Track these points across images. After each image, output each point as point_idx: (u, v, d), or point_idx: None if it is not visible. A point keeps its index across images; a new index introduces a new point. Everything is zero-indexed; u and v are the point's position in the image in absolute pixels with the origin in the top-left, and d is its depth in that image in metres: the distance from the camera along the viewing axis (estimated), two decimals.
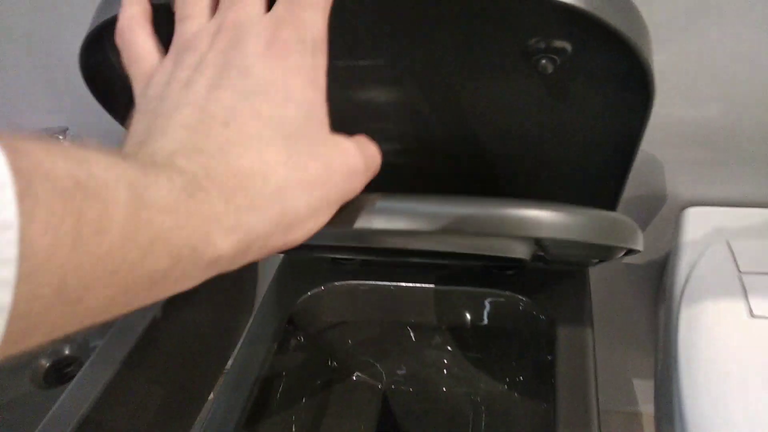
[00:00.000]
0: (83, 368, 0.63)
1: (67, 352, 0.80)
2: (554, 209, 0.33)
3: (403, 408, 0.76)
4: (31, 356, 0.79)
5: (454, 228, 0.33)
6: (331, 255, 0.69)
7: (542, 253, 0.42)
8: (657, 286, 0.83)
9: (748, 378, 0.49)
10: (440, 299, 0.70)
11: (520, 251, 0.40)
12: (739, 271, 0.58)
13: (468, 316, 0.69)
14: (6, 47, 0.78)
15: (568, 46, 0.36)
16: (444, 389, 0.75)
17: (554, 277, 0.67)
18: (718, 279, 0.58)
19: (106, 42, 0.41)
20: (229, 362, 0.82)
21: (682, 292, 0.61)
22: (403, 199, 0.33)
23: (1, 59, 0.80)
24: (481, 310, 0.68)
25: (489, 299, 0.67)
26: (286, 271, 0.73)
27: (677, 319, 0.58)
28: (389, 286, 0.70)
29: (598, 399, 0.54)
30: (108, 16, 0.38)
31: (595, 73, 0.38)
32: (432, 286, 0.68)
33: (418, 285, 0.69)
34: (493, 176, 0.51)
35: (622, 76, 0.37)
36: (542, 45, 0.37)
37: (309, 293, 0.70)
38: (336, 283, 0.71)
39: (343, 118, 0.29)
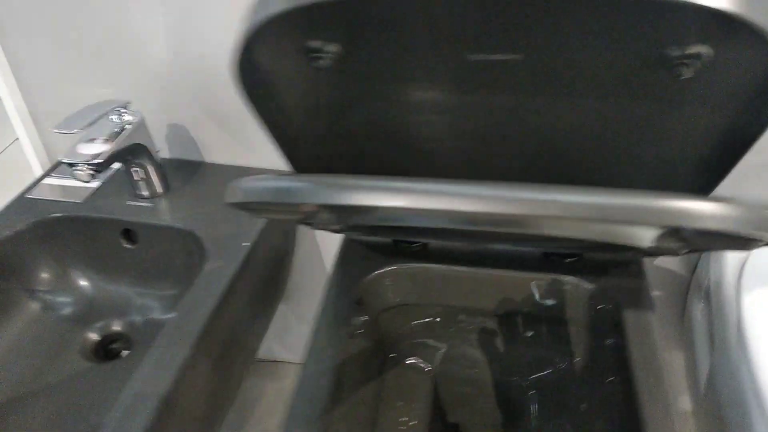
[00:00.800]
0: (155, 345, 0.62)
1: (115, 327, 0.79)
2: (711, 201, 0.35)
3: (453, 392, 0.78)
4: (82, 330, 0.79)
5: (615, 217, 0.35)
6: (408, 238, 0.71)
7: (663, 245, 0.44)
8: (687, 282, 0.87)
9: None
10: (501, 284, 0.72)
11: (647, 239, 0.43)
12: None
13: (528, 300, 0.72)
14: (77, 24, 0.77)
15: (710, 50, 0.38)
16: (497, 375, 0.77)
17: (612, 266, 0.70)
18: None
19: (263, 43, 0.42)
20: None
21: (739, 285, 0.64)
22: (572, 188, 0.35)
23: (71, 36, 0.79)
24: (545, 295, 0.71)
25: (552, 285, 0.70)
26: (348, 253, 0.74)
27: (738, 310, 0.61)
28: (453, 269, 0.72)
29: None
30: (269, 13, 0.39)
31: (735, 75, 0.40)
32: (496, 271, 0.71)
33: (481, 269, 0.71)
34: (608, 167, 0.53)
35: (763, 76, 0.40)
36: (682, 51, 0.39)
37: (374, 273, 0.72)
38: (398, 266, 0.73)
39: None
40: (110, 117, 0.74)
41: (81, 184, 0.86)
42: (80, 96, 0.85)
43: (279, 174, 0.44)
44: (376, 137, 0.53)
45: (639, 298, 0.66)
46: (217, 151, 0.89)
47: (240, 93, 0.48)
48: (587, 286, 0.68)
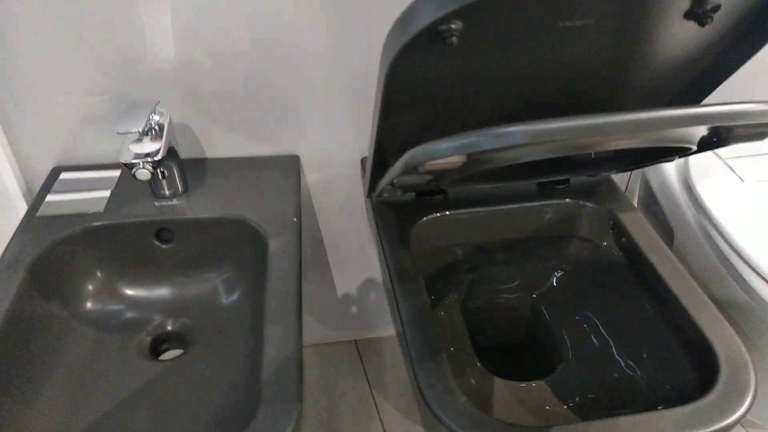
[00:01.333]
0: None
1: (169, 328, 0.80)
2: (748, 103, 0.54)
3: (483, 315, 0.93)
4: (140, 330, 0.79)
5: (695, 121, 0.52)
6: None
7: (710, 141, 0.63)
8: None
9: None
10: (512, 216, 0.88)
11: (695, 138, 0.61)
12: (721, 158, 0.87)
13: (536, 224, 0.89)
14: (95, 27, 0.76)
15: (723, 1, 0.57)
16: (522, 290, 0.93)
17: (588, 187, 0.89)
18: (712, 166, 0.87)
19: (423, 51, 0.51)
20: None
21: (689, 182, 0.88)
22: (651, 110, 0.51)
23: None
24: (551, 216, 0.88)
25: (554, 207, 0.88)
26: (385, 218, 0.84)
27: (693, 200, 0.84)
28: (472, 211, 0.86)
29: None
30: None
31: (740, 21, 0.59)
32: (506, 206, 0.87)
33: (501, 207, 0.87)
34: (643, 95, 0.71)
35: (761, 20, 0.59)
36: (706, 5, 0.57)
37: (422, 220, 0.83)
38: (431, 216, 0.85)
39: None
40: (152, 116, 0.75)
41: (90, 195, 0.84)
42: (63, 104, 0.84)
43: (445, 138, 0.54)
44: (481, 101, 0.65)
45: (625, 205, 0.86)
46: (220, 146, 0.92)
47: (384, 81, 0.57)
48: (582, 203, 0.87)
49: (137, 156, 0.71)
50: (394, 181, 0.69)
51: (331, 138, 0.94)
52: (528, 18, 0.55)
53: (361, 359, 1.20)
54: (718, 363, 0.65)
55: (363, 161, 0.97)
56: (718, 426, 0.59)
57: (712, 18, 0.57)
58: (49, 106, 0.84)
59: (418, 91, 0.63)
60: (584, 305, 0.88)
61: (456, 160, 0.59)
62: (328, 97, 0.90)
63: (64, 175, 0.89)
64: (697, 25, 0.59)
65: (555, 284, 0.93)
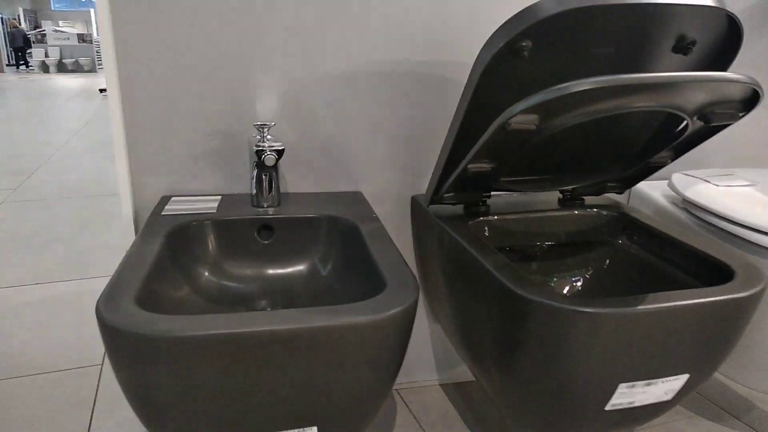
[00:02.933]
0: None
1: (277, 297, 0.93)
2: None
3: None
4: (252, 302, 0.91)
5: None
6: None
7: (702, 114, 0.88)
8: None
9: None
10: (542, 222, 1.09)
11: (693, 109, 0.86)
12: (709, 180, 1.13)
13: (564, 229, 1.10)
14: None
15: (698, 38, 0.87)
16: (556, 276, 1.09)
17: (603, 204, 1.13)
18: (692, 183, 1.13)
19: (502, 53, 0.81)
20: None
21: (679, 193, 1.12)
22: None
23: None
24: (573, 224, 1.09)
25: (577, 216, 1.10)
26: (439, 216, 1.05)
27: (687, 199, 1.08)
28: (513, 217, 1.07)
29: None
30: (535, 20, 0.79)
31: (707, 51, 0.90)
32: (538, 213, 1.08)
33: (533, 215, 1.08)
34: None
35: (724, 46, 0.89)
36: (687, 41, 0.87)
37: (472, 222, 1.03)
38: (479, 220, 1.06)
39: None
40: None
41: (201, 205, 1.02)
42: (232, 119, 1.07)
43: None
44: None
45: (629, 209, 1.09)
46: (300, 184, 1.14)
47: (473, 84, 0.83)
48: (598, 211, 1.10)
49: (266, 147, 0.92)
50: (469, 166, 0.91)
51: (385, 179, 1.17)
52: (568, 45, 0.84)
53: (408, 408, 1.26)
54: (731, 272, 0.83)
55: (413, 198, 1.18)
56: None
57: (691, 49, 0.87)
58: (169, 143, 1.06)
59: (498, 97, 0.89)
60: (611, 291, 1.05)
61: (532, 121, 0.82)
62: (383, 148, 1.15)
63: (174, 199, 1.07)
64: (682, 55, 0.88)
65: (582, 284, 1.10)
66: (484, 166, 0.94)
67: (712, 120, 0.88)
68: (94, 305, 1.72)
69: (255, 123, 0.99)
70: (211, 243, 0.95)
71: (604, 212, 1.10)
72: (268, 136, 1.00)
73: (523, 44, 0.81)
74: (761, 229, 0.94)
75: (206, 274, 0.93)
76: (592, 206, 1.12)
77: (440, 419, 1.21)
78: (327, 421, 0.71)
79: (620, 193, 1.13)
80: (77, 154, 4.06)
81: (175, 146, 1.06)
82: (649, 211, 1.21)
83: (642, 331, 0.74)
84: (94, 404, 1.25)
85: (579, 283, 1.10)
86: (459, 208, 1.10)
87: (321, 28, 1.06)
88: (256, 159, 0.99)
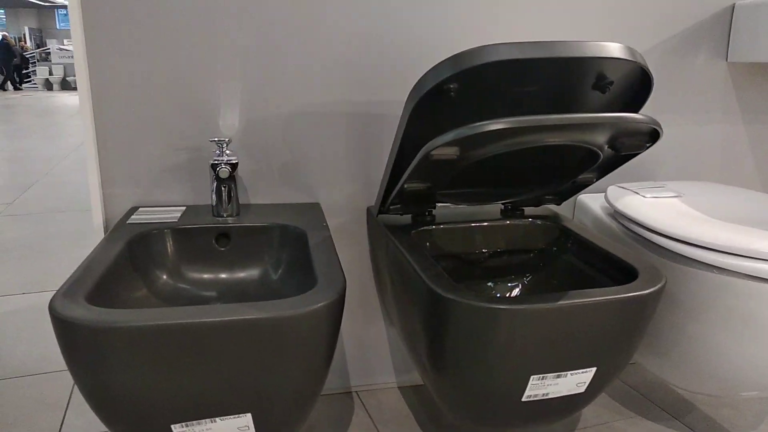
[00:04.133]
0: None
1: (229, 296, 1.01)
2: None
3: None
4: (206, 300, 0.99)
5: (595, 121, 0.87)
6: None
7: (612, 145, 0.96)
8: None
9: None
10: (485, 231, 1.17)
11: (601, 142, 0.94)
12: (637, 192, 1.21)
13: (504, 238, 1.17)
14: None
15: (614, 80, 0.95)
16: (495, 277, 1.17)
17: (540, 216, 1.21)
18: (623, 194, 1.21)
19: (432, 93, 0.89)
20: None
21: (611, 204, 1.20)
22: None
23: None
24: (513, 233, 1.17)
25: (517, 226, 1.18)
26: (388, 225, 1.13)
27: (618, 210, 1.16)
28: (456, 227, 1.15)
29: None
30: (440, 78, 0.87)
31: (624, 89, 0.98)
32: (481, 223, 1.16)
33: (475, 224, 1.16)
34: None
35: (638, 87, 0.97)
36: (605, 81, 0.95)
37: (418, 230, 1.11)
38: (423, 229, 1.14)
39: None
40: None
41: (165, 215, 1.10)
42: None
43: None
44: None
45: (566, 219, 1.17)
46: (262, 194, 1.22)
47: (405, 118, 0.91)
48: (536, 221, 1.18)
49: (220, 161, 1.00)
50: (405, 185, 1.00)
51: (342, 191, 1.26)
52: (493, 86, 0.92)
53: (366, 409, 1.33)
54: (636, 272, 0.91)
55: (368, 209, 1.27)
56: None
57: (609, 88, 0.95)
58: (138, 157, 1.15)
59: (429, 128, 0.97)
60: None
61: (453, 150, 0.89)
62: (341, 161, 1.23)
63: (142, 209, 1.15)
64: (600, 93, 0.96)
65: (520, 291, 1.18)
66: (420, 185, 1.02)
67: (621, 150, 0.96)
68: None
69: (211, 139, 1.08)
70: (170, 249, 1.04)
71: (539, 222, 1.18)
72: (227, 151, 1.09)
73: (451, 86, 0.89)
74: (675, 237, 1.01)
75: (164, 277, 1.01)
76: (530, 217, 1.20)
77: (394, 419, 1.28)
78: (261, 409, 0.79)
79: (558, 204, 1.21)
80: (75, 169, 4.17)
81: (143, 160, 1.15)
82: (588, 221, 1.29)
83: (549, 326, 0.81)
84: (68, 405, 1.33)
85: (517, 289, 1.18)
86: (407, 218, 1.18)
87: (281, 44, 1.15)
88: (212, 171, 1.07)
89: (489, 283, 1.19)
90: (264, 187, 1.22)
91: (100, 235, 1.16)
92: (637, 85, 0.95)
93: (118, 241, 0.96)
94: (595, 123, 0.84)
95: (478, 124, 0.79)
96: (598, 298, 0.82)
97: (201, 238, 1.06)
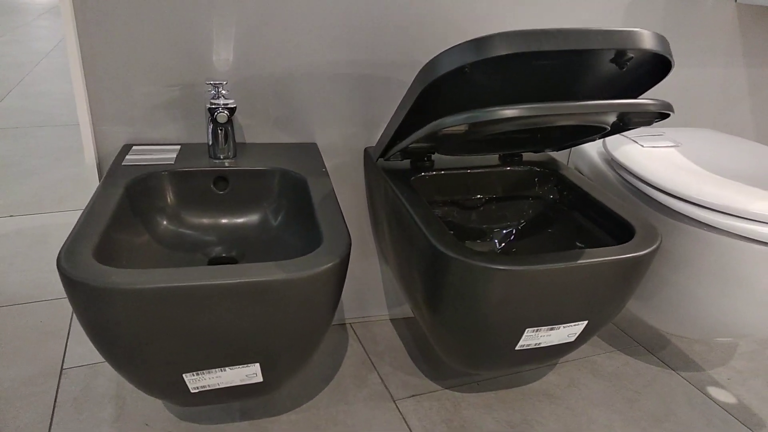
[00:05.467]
0: None
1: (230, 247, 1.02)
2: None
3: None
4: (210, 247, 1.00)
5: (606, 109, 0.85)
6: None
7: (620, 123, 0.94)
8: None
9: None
10: (482, 177, 1.18)
11: (610, 121, 0.92)
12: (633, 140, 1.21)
13: (501, 183, 1.18)
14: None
15: (632, 55, 0.91)
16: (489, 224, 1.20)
17: (536, 161, 1.21)
18: (621, 142, 1.21)
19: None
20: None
21: (608, 153, 1.21)
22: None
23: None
24: (510, 179, 1.18)
25: (514, 172, 1.18)
26: (387, 170, 1.12)
27: (615, 160, 1.17)
28: (455, 173, 1.15)
29: None
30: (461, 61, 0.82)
31: (641, 64, 0.93)
32: (478, 169, 1.16)
33: (473, 171, 1.16)
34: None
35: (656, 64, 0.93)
36: (624, 59, 0.90)
37: (417, 176, 1.11)
38: (423, 174, 1.14)
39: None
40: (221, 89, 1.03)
41: (160, 156, 1.08)
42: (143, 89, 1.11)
43: (458, 113, 0.83)
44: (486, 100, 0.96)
45: (562, 166, 1.18)
46: (258, 134, 1.20)
47: (414, 96, 0.87)
48: (533, 168, 1.18)
49: (219, 105, 0.97)
50: (410, 144, 0.98)
51: (340, 131, 1.24)
52: (514, 60, 0.88)
53: (359, 341, 1.39)
54: (633, 231, 0.93)
55: (366, 150, 1.25)
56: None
57: (627, 64, 0.91)
58: (130, 93, 1.11)
59: (439, 99, 0.94)
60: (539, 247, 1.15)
61: (462, 127, 0.88)
62: (338, 102, 1.20)
63: (135, 148, 1.13)
64: (617, 68, 0.92)
65: (514, 235, 1.20)
66: (424, 145, 1.01)
67: (630, 125, 0.95)
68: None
69: (208, 81, 1.04)
70: (169, 193, 1.03)
71: (537, 169, 1.19)
72: (224, 92, 1.05)
73: (466, 68, 0.85)
74: (671, 193, 1.03)
75: (164, 222, 1.01)
76: (528, 163, 1.20)
77: (387, 350, 1.35)
78: (268, 358, 0.82)
79: (556, 151, 1.21)
80: (49, 78, 4.00)
81: (136, 96, 1.11)
82: (585, 169, 1.30)
83: (545, 286, 0.84)
84: (69, 333, 1.36)
85: (513, 234, 1.20)
86: (406, 163, 1.17)
87: None
88: (209, 114, 1.04)
89: (484, 226, 1.21)
90: (259, 125, 1.20)
91: (93, 173, 1.14)
92: (654, 64, 0.92)
93: (117, 186, 0.95)
94: (611, 110, 0.83)
95: (491, 109, 0.77)
96: (595, 260, 0.85)
97: (199, 182, 1.05)
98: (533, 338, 0.91)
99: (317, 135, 1.23)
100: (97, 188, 0.95)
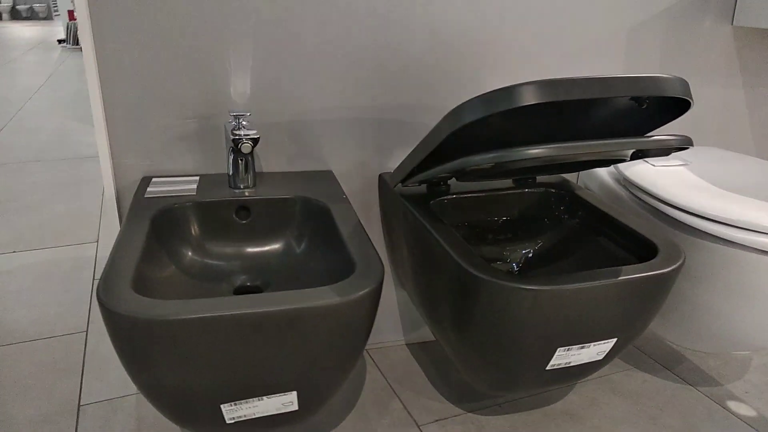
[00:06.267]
0: None
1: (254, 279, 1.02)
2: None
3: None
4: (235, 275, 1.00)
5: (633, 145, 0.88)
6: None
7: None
8: None
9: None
10: (496, 200, 1.19)
11: (628, 154, 0.95)
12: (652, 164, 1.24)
13: (515, 206, 1.20)
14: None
15: (647, 100, 0.94)
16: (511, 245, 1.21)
17: (549, 184, 1.23)
18: (633, 161, 1.24)
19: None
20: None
21: (620, 172, 1.23)
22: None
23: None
24: (526, 202, 1.20)
25: (530, 194, 1.20)
26: (405, 195, 1.14)
27: (628, 179, 1.20)
28: (471, 195, 1.17)
29: None
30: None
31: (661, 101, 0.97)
32: (492, 192, 1.18)
33: (489, 193, 1.18)
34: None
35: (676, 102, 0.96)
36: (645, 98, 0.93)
37: (435, 201, 1.13)
38: (440, 199, 1.15)
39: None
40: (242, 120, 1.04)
41: (181, 187, 1.08)
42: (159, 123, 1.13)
43: (485, 152, 0.84)
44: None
45: (575, 186, 1.20)
46: (273, 163, 1.21)
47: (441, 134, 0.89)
48: (548, 189, 1.20)
49: (242, 136, 0.99)
50: (433, 175, 1.00)
51: (354, 158, 1.25)
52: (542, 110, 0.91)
53: (378, 367, 1.39)
54: (656, 249, 0.95)
55: (381, 176, 1.27)
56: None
57: (647, 103, 0.94)
58: (148, 126, 1.12)
59: (459, 132, 0.96)
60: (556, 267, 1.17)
61: (488, 164, 0.90)
62: (350, 129, 1.22)
63: (155, 180, 1.13)
64: (637, 105, 0.96)
65: (531, 256, 1.22)
66: (445, 175, 1.03)
67: (648, 156, 0.98)
68: (71, 273, 1.78)
69: (232, 112, 1.05)
70: (193, 224, 1.03)
71: (552, 190, 1.21)
72: (244, 123, 1.07)
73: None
74: (686, 209, 1.06)
75: (189, 254, 1.01)
76: (542, 185, 1.22)
77: (406, 376, 1.34)
78: (305, 385, 0.82)
79: (569, 172, 1.23)
80: (41, 114, 4.00)
81: (153, 129, 1.12)
82: (595, 188, 1.33)
83: (576, 304, 0.85)
84: (83, 369, 1.34)
85: (530, 255, 1.22)
86: (423, 187, 1.19)
87: (294, 11, 1.11)
88: (232, 145, 1.06)
89: (504, 250, 1.22)
90: (275, 154, 1.21)
91: (113, 206, 1.14)
92: (675, 102, 0.95)
93: (143, 218, 0.95)
94: (635, 147, 0.85)
95: (519, 150, 0.78)
96: (626, 277, 0.86)
97: (222, 212, 1.05)
98: (564, 357, 0.91)
99: (331, 162, 1.25)
100: (124, 221, 0.95)
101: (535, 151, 0.78)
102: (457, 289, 0.92)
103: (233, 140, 1.00)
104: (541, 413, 1.24)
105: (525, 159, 0.80)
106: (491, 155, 0.80)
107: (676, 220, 1.08)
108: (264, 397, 0.81)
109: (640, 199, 1.18)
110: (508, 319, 0.86)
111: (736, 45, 1.44)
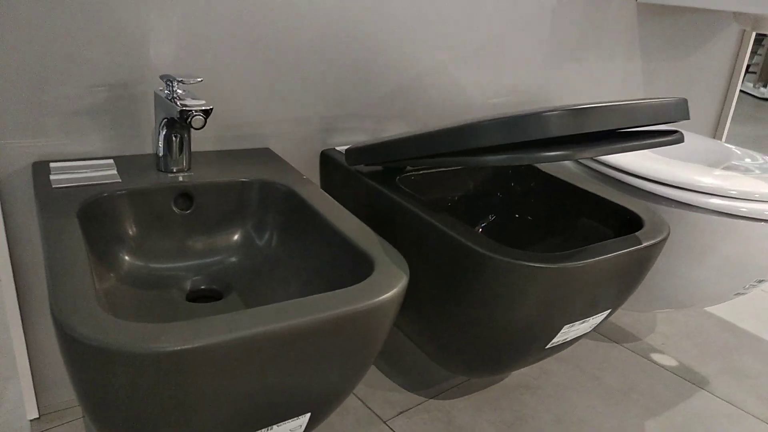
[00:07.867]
0: None
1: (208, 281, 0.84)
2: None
3: None
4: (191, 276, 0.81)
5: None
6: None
7: None
8: None
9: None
10: (467, 174, 1.14)
11: None
12: None
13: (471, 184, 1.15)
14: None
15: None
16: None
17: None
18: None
19: None
20: None
21: None
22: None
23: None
24: (482, 174, 1.15)
25: (483, 169, 1.16)
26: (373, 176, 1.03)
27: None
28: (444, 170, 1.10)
29: None
30: None
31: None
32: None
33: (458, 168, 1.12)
34: None
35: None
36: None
37: (398, 179, 1.03)
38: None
39: None
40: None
41: (97, 173, 0.86)
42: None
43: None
44: None
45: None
46: (205, 141, 1.01)
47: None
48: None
49: (192, 107, 0.79)
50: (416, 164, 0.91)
51: (291, 135, 1.10)
52: None
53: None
54: (640, 220, 0.96)
55: (323, 152, 1.14)
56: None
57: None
58: (42, 97, 0.86)
59: None
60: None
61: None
62: (286, 106, 1.07)
63: (54, 165, 0.88)
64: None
65: (490, 230, 1.19)
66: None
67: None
68: None
69: (165, 78, 0.85)
70: (129, 219, 0.82)
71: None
72: (179, 91, 0.87)
73: None
74: (645, 176, 1.09)
75: (127, 258, 0.80)
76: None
77: (382, 395, 1.24)
78: (320, 405, 0.69)
79: None
80: None
81: (49, 100, 0.87)
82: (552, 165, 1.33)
83: (583, 280, 0.83)
84: None
85: (487, 229, 1.18)
86: (378, 166, 1.08)
87: None
88: (167, 117, 0.85)
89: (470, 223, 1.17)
90: (204, 130, 1.01)
91: None
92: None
93: (63, 216, 0.72)
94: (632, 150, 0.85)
95: (536, 153, 0.76)
96: (621, 251, 0.84)
97: (159, 202, 0.85)
98: (565, 334, 0.89)
99: (269, 139, 1.08)
100: (41, 223, 0.71)
101: (549, 154, 0.74)
102: (456, 269, 0.84)
103: (180, 112, 0.80)
104: (500, 388, 1.22)
105: (542, 161, 0.76)
106: (504, 156, 0.76)
107: (633, 186, 1.11)
108: (274, 426, 0.67)
109: (594, 170, 1.19)
110: (526, 299, 0.81)
111: (639, 21, 1.53)
